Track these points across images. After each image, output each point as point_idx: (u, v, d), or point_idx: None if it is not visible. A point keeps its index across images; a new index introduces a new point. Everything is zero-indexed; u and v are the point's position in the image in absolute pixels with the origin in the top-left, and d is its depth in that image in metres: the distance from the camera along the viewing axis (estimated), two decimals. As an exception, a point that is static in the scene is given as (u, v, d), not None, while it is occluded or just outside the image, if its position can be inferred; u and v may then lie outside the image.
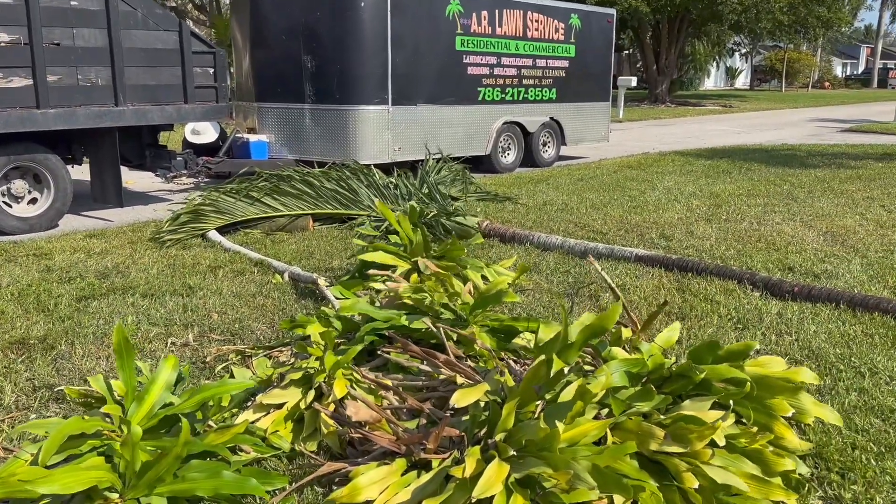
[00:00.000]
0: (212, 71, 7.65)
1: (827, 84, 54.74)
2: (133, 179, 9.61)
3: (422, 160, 8.61)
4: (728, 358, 2.59)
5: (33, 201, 6.75)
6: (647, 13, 24.69)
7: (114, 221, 7.01)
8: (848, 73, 66.06)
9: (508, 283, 4.55)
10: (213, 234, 6.00)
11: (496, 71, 10.66)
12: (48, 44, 6.41)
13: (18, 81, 6.30)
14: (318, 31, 9.02)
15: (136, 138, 7.85)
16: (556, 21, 11.45)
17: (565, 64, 11.74)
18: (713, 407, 2.34)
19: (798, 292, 4.16)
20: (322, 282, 4.32)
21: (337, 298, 4.07)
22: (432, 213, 6.13)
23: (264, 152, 9.39)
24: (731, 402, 2.27)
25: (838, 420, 2.48)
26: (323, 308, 3.83)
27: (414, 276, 4.22)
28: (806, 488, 2.27)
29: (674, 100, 32.35)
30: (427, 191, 7.09)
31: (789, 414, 2.32)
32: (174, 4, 22.79)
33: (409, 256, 4.40)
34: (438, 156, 8.56)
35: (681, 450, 2.13)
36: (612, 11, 13.01)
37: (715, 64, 47.73)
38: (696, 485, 2.09)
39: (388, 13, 9.04)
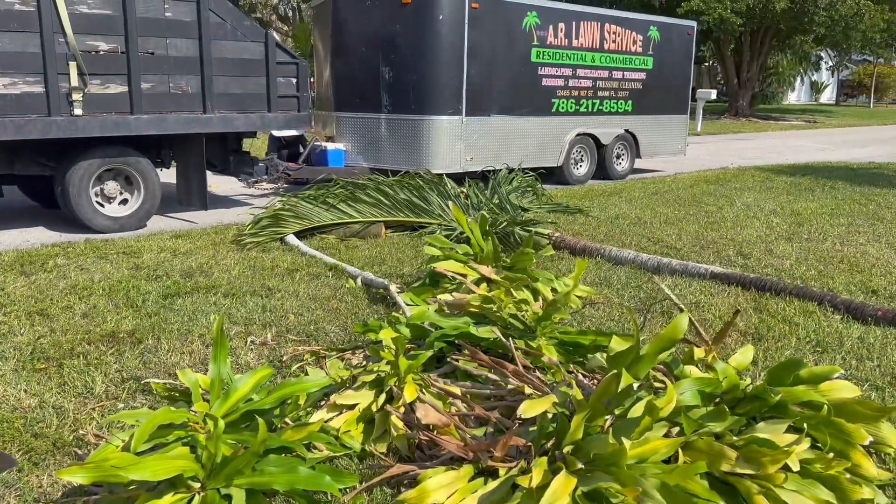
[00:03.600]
0: (294, 81, 7.90)
1: (921, 99, 52.02)
2: (216, 183, 10.00)
3: (493, 170, 8.67)
4: (809, 380, 2.53)
5: (124, 202, 7.12)
6: (737, 24, 24.00)
7: (197, 223, 7.32)
8: (945, 87, 62.51)
9: (578, 296, 4.57)
10: (291, 239, 6.20)
11: (571, 83, 10.63)
12: (143, 53, 6.77)
13: (114, 88, 6.67)
14: (396, 43, 9.20)
15: (222, 144, 8.17)
16: (634, 33, 11.33)
17: (642, 76, 11.59)
18: (788, 431, 2.30)
19: (882, 316, 4.00)
20: (394, 288, 4.41)
21: (407, 305, 4.15)
22: (503, 223, 6.16)
23: (341, 160, 9.62)
24: (805, 426, 2.21)
25: (921, 451, 2.39)
26: (394, 314, 3.92)
27: (483, 286, 4.27)
28: (885, 519, 2.20)
29: (755, 114, 31.40)
30: (498, 201, 7.13)
31: (866, 442, 2.24)
32: (259, 16, 23.63)
33: (480, 265, 4.45)
34: (510, 166, 8.58)
35: (753, 472, 2.10)
36: (693, 24, 12.77)
37: (799, 78, 46.13)
38: (767, 508, 2.05)
39: (466, 26, 9.15)
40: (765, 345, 3.71)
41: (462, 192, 7.30)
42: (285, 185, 9.35)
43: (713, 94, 22.10)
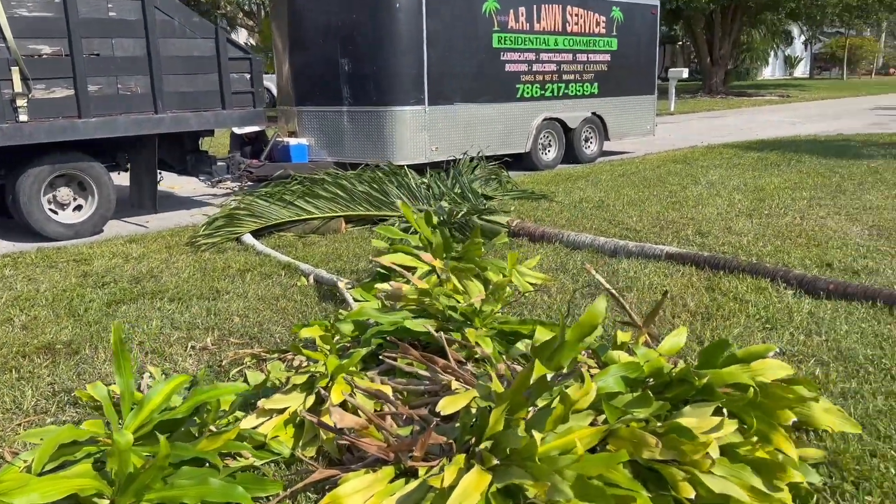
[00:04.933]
0: (248, 76, 7.76)
1: (892, 70, 52.43)
2: (178, 184, 9.85)
3: (458, 159, 8.58)
4: (745, 359, 2.48)
5: (78, 208, 6.97)
6: (705, 2, 23.97)
7: (153, 227, 7.18)
8: (916, 57, 63.04)
9: (531, 283, 4.51)
10: (248, 238, 6.09)
11: (535, 67, 10.54)
12: (88, 54, 6.60)
13: (60, 92, 6.51)
14: (354, 34, 9.07)
15: (178, 144, 8.02)
16: (596, 14, 11.25)
17: (607, 58, 11.52)
18: (718, 413, 2.24)
19: (833, 290, 3.97)
20: (342, 284, 4.32)
21: (356, 301, 4.08)
22: (462, 213, 6.09)
23: (304, 155, 9.50)
24: (722, 407, 2.16)
25: (854, 427, 2.35)
26: (340, 311, 3.84)
27: (433, 277, 4.20)
28: (815, 499, 2.15)
29: (729, 90, 31.46)
30: (459, 190, 7.05)
31: (790, 423, 2.19)
32: (223, 12, 23.32)
33: (426, 254, 4.37)
34: (472, 155, 8.50)
35: (677, 459, 2.05)
36: (657, 3, 12.70)
37: (773, 53, 46.26)
38: (692, 495, 2.00)
39: (424, 13, 9.03)
40: (713, 324, 3.66)
41: (423, 182, 7.21)
42: (249, 184, 9.21)
43: (685, 73, 22.10)
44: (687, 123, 18.42)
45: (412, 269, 4.29)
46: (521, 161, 10.52)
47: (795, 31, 38.92)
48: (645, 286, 4.38)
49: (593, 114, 11.46)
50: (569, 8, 10.82)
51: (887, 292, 3.82)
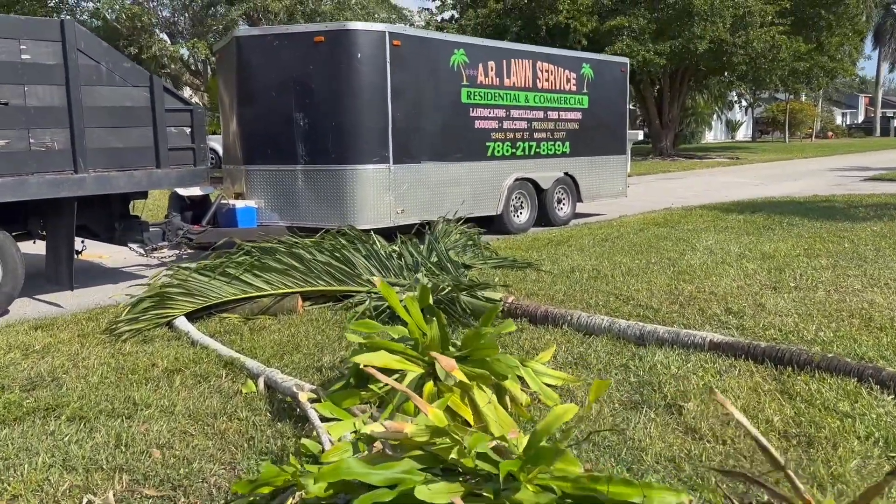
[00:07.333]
0: (188, 131, 6.72)
1: (830, 134, 54.39)
2: (106, 254, 8.63)
3: (428, 223, 7.63)
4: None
5: (-24, 286, 5.74)
6: (661, 65, 24.00)
7: (67, 306, 5.96)
8: (848, 122, 65.99)
9: (548, 384, 3.49)
10: (181, 322, 4.95)
11: (506, 124, 9.79)
12: (-8, 103, 5.50)
13: (-47, 146, 5.37)
14: (310, 87, 8.16)
15: (104, 208, 6.87)
16: (567, 71, 10.65)
17: (578, 116, 10.88)
18: None
19: (950, 396, 3.07)
20: (304, 396, 3.23)
21: (324, 420, 3.00)
22: (447, 289, 5.08)
23: (253, 219, 8.42)
24: None
25: None
26: (304, 442, 2.75)
27: (429, 385, 3.16)
28: None
29: (679, 153, 31.69)
30: (437, 259, 6.07)
31: None
32: (168, 71, 22.31)
33: (422, 356, 3.33)
34: (448, 217, 7.56)
35: None
36: (626, 60, 12.24)
37: (716, 117, 47.47)
38: None
39: (388, 65, 8.21)
40: (821, 452, 2.70)
41: (394, 250, 6.21)
42: (188, 252, 8.06)
43: (640, 135, 21.93)
44: (648, 184, 17.99)
45: (399, 373, 3.25)
46: (492, 223, 9.66)
47: (745, 93, 39.99)
48: (699, 389, 3.41)
49: (566, 174, 10.74)
50: (539, 63, 10.19)
51: None
